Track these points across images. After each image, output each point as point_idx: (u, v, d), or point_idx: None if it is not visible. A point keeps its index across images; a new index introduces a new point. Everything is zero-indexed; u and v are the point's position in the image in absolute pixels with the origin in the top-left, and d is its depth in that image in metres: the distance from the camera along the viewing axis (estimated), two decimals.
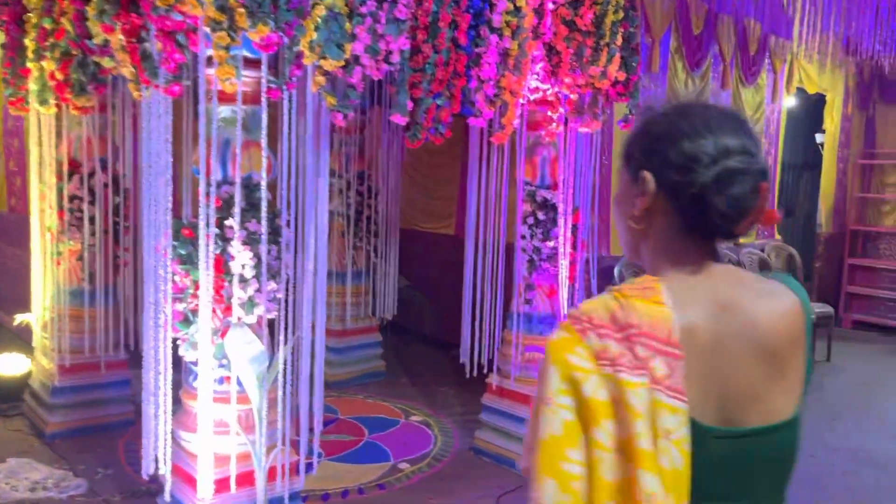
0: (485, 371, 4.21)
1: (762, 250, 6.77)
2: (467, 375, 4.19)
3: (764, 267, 6.63)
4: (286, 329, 2.89)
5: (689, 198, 1.00)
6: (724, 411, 0.97)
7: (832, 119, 7.80)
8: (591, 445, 0.90)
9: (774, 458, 1.02)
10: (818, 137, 8.13)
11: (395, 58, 2.95)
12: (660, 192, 1.02)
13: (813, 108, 7.86)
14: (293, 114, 2.75)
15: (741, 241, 6.58)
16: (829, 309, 6.67)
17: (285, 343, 2.86)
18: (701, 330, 0.96)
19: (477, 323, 4.19)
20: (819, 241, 8.11)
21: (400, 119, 3.00)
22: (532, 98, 3.71)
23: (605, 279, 5.46)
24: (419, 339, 6.55)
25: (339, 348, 5.39)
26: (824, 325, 6.44)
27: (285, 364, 2.86)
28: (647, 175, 1.03)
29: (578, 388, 0.91)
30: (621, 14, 3.73)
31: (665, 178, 1.02)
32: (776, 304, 1.03)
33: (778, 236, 7.29)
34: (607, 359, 0.92)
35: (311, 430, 3.11)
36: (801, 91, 7.43)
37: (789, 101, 7.44)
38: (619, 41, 3.77)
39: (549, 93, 3.69)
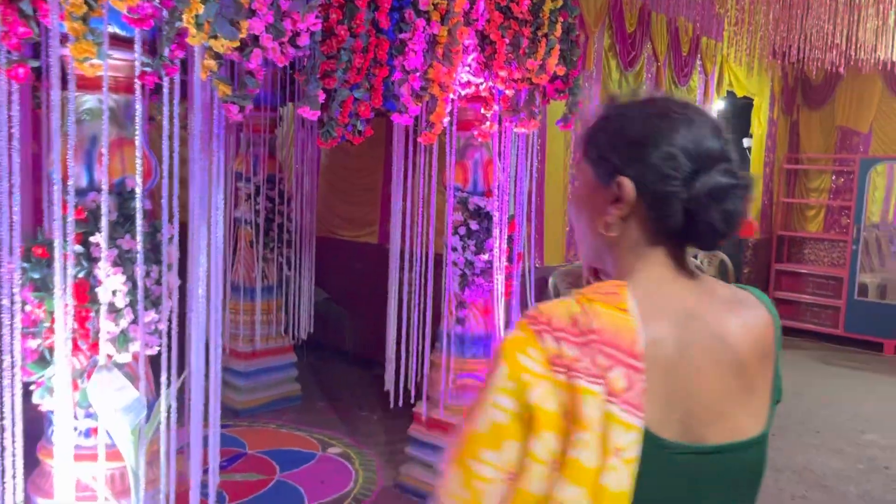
0: (412, 399, 3.76)
1: (695, 257, 6.58)
2: (392, 405, 3.73)
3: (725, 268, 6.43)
4: (170, 368, 2.36)
5: (675, 208, 0.95)
6: (688, 427, 0.93)
7: (759, 123, 7.73)
8: (525, 454, 0.86)
9: (740, 477, 0.99)
10: (746, 142, 8.06)
11: (304, 40, 2.46)
12: (638, 199, 0.97)
13: (741, 111, 7.77)
14: (175, 105, 2.23)
15: None
16: None
17: (169, 385, 2.33)
18: (667, 342, 0.92)
19: (403, 345, 3.73)
20: (747, 246, 8.03)
21: (310, 113, 2.52)
22: (463, 94, 3.29)
23: (541, 292, 5.11)
24: (339, 356, 6.04)
25: (247, 372, 4.84)
26: None
27: (169, 411, 2.33)
28: (627, 182, 0.97)
29: (524, 392, 0.87)
30: (560, 2, 3.35)
31: (646, 186, 0.96)
32: (746, 316, 1.00)
33: None
34: (562, 365, 0.87)
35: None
36: (730, 94, 7.30)
37: (719, 105, 7.31)
38: (559, 32, 3.39)
39: (482, 88, 3.27)
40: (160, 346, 2.38)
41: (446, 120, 3.12)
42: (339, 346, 6.04)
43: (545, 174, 5.05)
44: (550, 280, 5.05)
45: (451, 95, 3.12)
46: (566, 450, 0.84)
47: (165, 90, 2.20)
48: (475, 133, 3.49)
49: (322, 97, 2.56)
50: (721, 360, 0.95)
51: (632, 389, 0.86)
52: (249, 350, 4.85)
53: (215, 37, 2.20)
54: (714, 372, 0.95)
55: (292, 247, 4.98)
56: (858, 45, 6.23)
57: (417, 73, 2.90)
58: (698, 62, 6.54)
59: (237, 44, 2.23)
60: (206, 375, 2.55)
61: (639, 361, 0.88)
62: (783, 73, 7.87)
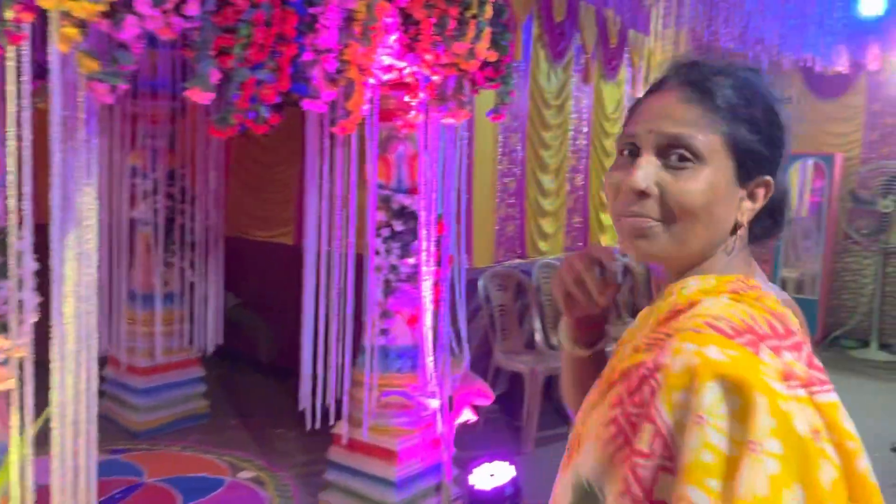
0: (331, 419, 3.39)
1: (624, 255, 6.42)
2: (308, 427, 3.35)
3: (627, 272, 6.29)
4: (23, 408, 1.92)
5: (779, 201, 0.92)
6: None
7: None
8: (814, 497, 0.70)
9: None
10: None
11: (193, 9, 2.07)
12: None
13: None
14: (26, 83, 1.80)
15: (605, 244, 6.19)
16: None
17: (23, 431, 1.89)
18: None
19: (321, 358, 3.36)
20: None
21: (200, 96, 2.12)
22: (385, 79, 2.94)
23: (468, 295, 4.81)
24: (254, 367, 5.58)
25: (147, 389, 4.35)
26: None
27: (24, 463, 1.90)
28: (772, 182, 0.89)
29: (790, 426, 0.71)
30: None
31: (776, 185, 0.90)
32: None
33: None
34: (797, 378, 0.74)
35: None
36: None
37: None
38: (489, 13, 3.08)
39: (405, 73, 2.93)
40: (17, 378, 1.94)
41: (366, 108, 2.76)
42: (254, 356, 5.58)
43: (473, 169, 4.75)
44: (480, 282, 4.76)
45: (371, 80, 2.76)
46: (855, 475, 0.73)
47: (11, 64, 1.77)
48: (399, 124, 3.14)
49: (217, 77, 2.17)
50: None
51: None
52: (149, 365, 4.36)
53: None
54: None
55: (197, 249, 4.50)
56: (780, 42, 6.20)
57: (332, 54, 2.53)
58: (626, 55, 6.38)
59: (104, 8, 1.81)
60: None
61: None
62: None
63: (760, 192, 0.89)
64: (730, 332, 0.77)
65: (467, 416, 3.34)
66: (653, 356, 0.80)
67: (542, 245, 5.47)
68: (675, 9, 6.25)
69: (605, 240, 6.27)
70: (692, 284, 0.86)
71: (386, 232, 3.22)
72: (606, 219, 6.28)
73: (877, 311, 6.99)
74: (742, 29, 6.22)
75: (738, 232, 0.89)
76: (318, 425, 3.32)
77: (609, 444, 0.81)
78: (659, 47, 6.66)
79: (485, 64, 3.20)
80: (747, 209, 0.89)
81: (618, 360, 0.89)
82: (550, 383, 5.14)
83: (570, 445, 0.91)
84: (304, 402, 3.38)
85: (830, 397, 0.75)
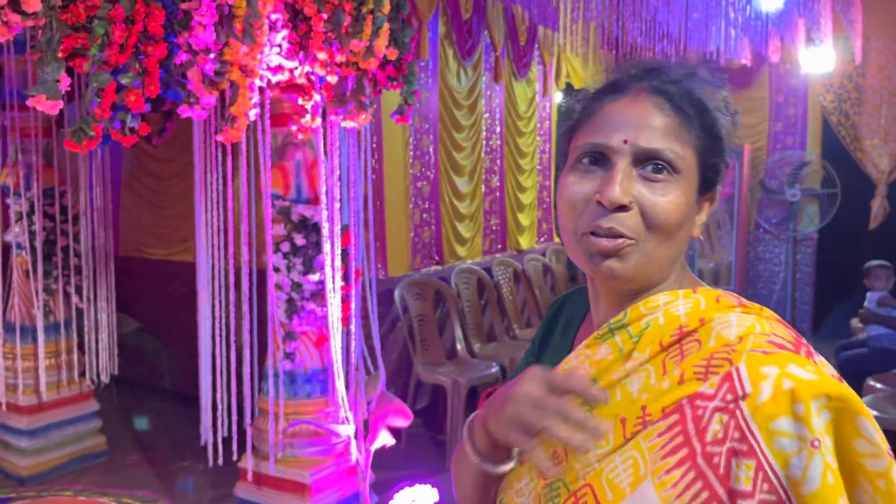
0: (234, 453, 3.11)
1: (543, 254, 6.34)
2: (210, 463, 3.06)
3: (548, 273, 6.19)
4: None
5: None
6: None
7: None
8: None
9: None
10: None
11: (33, 4, 1.77)
12: None
13: None
14: None
15: (524, 246, 6.07)
16: None
17: None
18: None
19: (223, 386, 3.07)
20: None
21: (46, 105, 1.82)
22: (275, 81, 2.68)
23: (385, 306, 4.60)
24: (157, 395, 5.19)
25: (32, 430, 3.93)
26: None
27: None
28: (717, 195, 0.91)
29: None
30: None
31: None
32: None
33: (557, 238, 6.94)
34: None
35: None
36: (570, 87, 7.15)
37: (559, 97, 7.14)
38: (386, 8, 2.87)
39: (297, 73, 2.68)
40: None
41: (254, 113, 2.50)
42: (157, 383, 5.20)
43: (384, 175, 4.54)
44: (396, 292, 4.55)
45: (259, 82, 2.51)
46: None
47: None
48: (294, 129, 2.89)
49: (67, 83, 1.88)
50: None
51: None
52: (33, 403, 3.95)
53: None
54: None
55: (84, 272, 4.11)
56: (689, 36, 6.23)
57: (209, 54, 2.27)
58: (536, 52, 6.29)
59: None
60: None
61: None
62: (617, 65, 7.85)
63: (707, 205, 0.88)
64: (791, 348, 0.74)
65: (385, 439, 3.12)
66: (712, 386, 0.73)
67: (460, 250, 5.30)
68: (583, 4, 6.20)
69: (524, 241, 6.16)
70: (678, 302, 0.82)
71: (286, 246, 2.96)
72: (524, 219, 6.17)
73: (789, 298, 7.15)
74: (649, 23, 6.24)
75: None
76: (220, 460, 3.04)
77: (683, 492, 0.72)
78: (569, 44, 6.61)
79: (385, 62, 2.99)
80: (699, 223, 0.87)
81: (635, 394, 0.79)
82: (475, 393, 4.98)
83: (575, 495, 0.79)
84: (205, 434, 3.09)
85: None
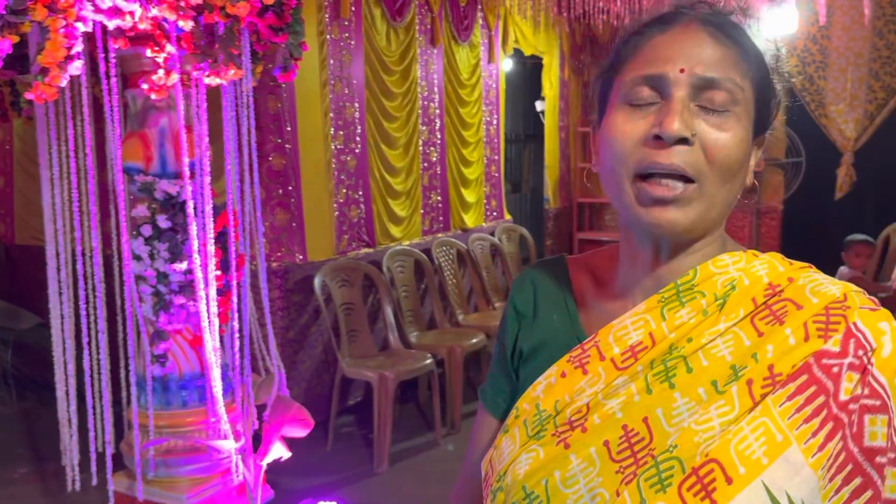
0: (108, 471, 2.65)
1: (492, 234, 5.90)
2: (69, 488, 2.60)
3: (497, 254, 5.77)
4: None
5: None
6: None
7: (551, 84, 7.20)
8: None
9: None
10: (538, 105, 7.55)
11: None
12: None
13: (532, 73, 7.22)
14: None
15: (469, 225, 5.64)
16: None
17: None
18: None
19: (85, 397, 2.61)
20: (548, 217, 7.56)
21: None
22: (112, 27, 2.20)
23: (305, 294, 4.15)
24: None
25: None
26: None
27: None
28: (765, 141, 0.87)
29: None
30: None
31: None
32: None
33: (508, 216, 6.51)
34: None
35: None
36: (519, 54, 6.69)
37: (507, 65, 6.67)
38: None
39: (138, 17, 2.19)
40: None
41: (77, 65, 2.01)
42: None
43: (299, 148, 4.05)
44: (317, 279, 4.09)
45: (83, 26, 2.02)
46: None
47: None
48: (147, 88, 2.40)
49: None
50: None
51: None
52: None
53: None
54: None
55: None
56: None
57: None
58: (480, 15, 5.81)
59: None
60: None
61: None
62: (570, 30, 7.39)
63: (755, 151, 0.83)
64: (878, 304, 0.76)
65: (279, 452, 2.68)
66: (836, 344, 0.71)
67: (395, 230, 4.85)
68: None
69: (470, 219, 5.72)
70: (754, 263, 0.82)
71: (148, 230, 2.49)
72: (470, 195, 5.73)
73: None
74: None
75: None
76: (79, 483, 2.58)
77: (831, 455, 0.69)
78: (516, 5, 6.14)
79: (264, 9, 2.51)
80: (752, 169, 0.83)
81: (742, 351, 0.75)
82: (408, 386, 4.56)
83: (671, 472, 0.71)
84: (65, 456, 2.62)
85: None
